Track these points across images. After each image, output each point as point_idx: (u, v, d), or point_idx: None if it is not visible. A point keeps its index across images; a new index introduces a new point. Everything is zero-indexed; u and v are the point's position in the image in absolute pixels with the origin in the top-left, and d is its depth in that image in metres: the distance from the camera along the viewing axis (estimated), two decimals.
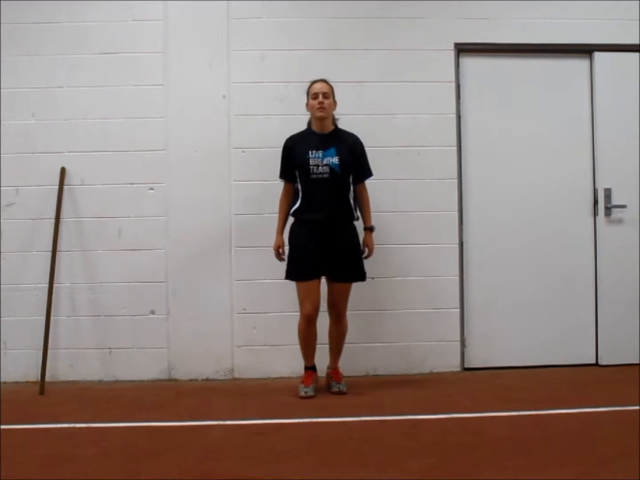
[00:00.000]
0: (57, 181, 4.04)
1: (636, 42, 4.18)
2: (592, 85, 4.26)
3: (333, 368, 3.74)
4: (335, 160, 3.57)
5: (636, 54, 4.22)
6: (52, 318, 3.93)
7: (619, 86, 4.23)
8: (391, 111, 4.16)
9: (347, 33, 4.16)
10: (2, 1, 4.06)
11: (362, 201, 3.72)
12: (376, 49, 4.16)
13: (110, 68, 4.09)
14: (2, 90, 4.06)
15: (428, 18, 4.19)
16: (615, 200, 4.22)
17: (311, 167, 3.57)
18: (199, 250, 4.09)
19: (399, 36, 4.17)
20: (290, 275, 3.64)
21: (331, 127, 3.69)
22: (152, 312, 4.09)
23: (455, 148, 4.19)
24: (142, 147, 4.08)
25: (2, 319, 4.03)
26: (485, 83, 4.27)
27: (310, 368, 3.72)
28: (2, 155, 4.06)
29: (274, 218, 3.74)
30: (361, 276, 3.68)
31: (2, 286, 4.04)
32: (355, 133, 3.75)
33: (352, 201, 3.67)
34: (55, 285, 3.97)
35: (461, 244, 4.21)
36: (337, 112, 3.74)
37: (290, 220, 3.72)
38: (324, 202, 3.57)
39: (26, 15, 4.07)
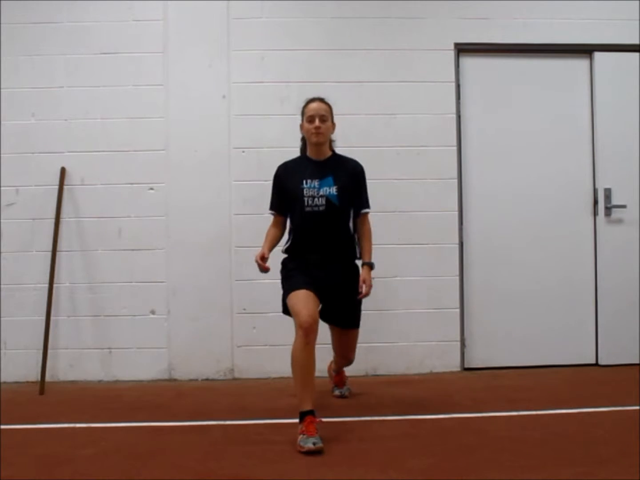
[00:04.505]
0: (57, 181, 4.04)
1: (636, 42, 4.19)
2: (592, 85, 4.26)
3: (337, 372, 3.57)
4: (333, 190, 3.11)
5: (636, 54, 4.22)
6: (52, 318, 3.94)
7: (619, 86, 4.23)
8: (391, 111, 4.16)
9: (347, 33, 4.16)
10: (2, 1, 4.06)
11: (361, 236, 3.25)
12: (376, 49, 4.16)
13: (110, 68, 4.09)
14: (2, 90, 4.07)
15: (428, 18, 4.19)
16: (615, 200, 4.22)
17: (306, 198, 3.10)
18: (199, 250, 4.09)
19: (399, 36, 4.17)
20: (285, 294, 3.14)
21: (328, 153, 3.24)
22: (152, 312, 4.09)
23: (455, 148, 4.19)
24: (142, 147, 4.09)
25: (2, 319, 4.04)
26: (485, 83, 4.27)
27: (309, 413, 2.81)
28: (2, 155, 4.07)
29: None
30: (355, 323, 3.30)
31: (2, 286, 4.05)
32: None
33: (353, 236, 3.24)
34: (55, 285, 3.97)
35: (461, 244, 4.21)
36: (335, 134, 3.30)
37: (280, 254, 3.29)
38: (320, 239, 3.13)
39: (26, 15, 4.08)
